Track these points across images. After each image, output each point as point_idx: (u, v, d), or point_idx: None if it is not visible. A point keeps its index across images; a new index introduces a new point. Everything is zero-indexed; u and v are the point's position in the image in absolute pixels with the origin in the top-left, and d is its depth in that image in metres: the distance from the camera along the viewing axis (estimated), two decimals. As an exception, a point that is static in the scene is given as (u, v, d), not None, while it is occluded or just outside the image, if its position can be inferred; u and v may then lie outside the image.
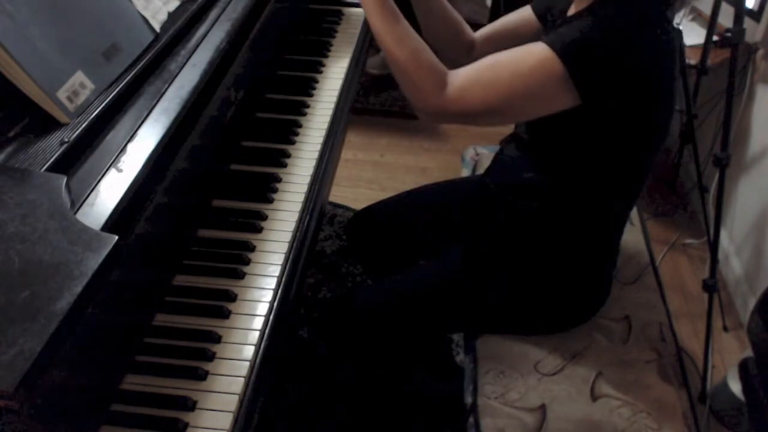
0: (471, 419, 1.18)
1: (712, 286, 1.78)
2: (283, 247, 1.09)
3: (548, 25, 1.22)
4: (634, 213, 1.58)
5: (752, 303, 1.74)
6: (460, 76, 1.02)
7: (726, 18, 1.84)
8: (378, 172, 2.52)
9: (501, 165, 1.33)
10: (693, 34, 2.10)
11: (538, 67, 0.97)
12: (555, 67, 0.96)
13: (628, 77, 0.99)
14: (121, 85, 0.94)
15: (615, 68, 0.97)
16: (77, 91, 0.89)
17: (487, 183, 1.34)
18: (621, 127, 1.05)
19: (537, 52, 0.98)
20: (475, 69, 1.02)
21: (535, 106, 1.00)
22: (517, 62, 0.99)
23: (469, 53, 1.32)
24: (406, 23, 1.04)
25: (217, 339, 0.95)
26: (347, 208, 2.30)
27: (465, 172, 1.81)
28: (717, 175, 1.80)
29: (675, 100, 1.10)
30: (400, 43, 1.01)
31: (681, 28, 1.88)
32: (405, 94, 1.07)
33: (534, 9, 1.27)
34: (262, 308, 1.00)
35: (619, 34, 0.97)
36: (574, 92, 0.98)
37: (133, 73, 0.97)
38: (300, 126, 1.34)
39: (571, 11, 1.13)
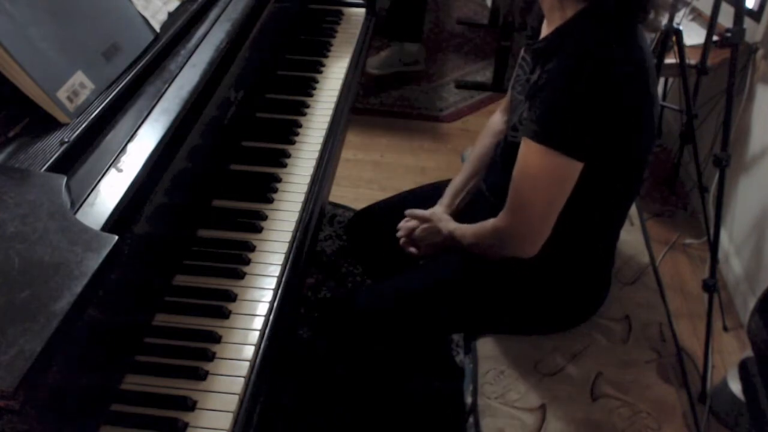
0: (471, 419, 1.18)
1: (712, 286, 1.78)
2: (283, 247, 1.09)
3: (526, 45, 1.23)
4: (634, 213, 1.57)
5: (752, 303, 1.75)
6: (509, 223, 1.15)
7: (726, 18, 1.84)
8: (378, 172, 2.52)
9: (494, 166, 1.33)
10: (693, 34, 2.10)
11: (548, 171, 1.07)
12: (557, 160, 1.05)
13: (615, 115, 1.03)
14: (121, 85, 0.94)
15: (603, 120, 1.03)
16: (77, 91, 0.89)
17: (481, 186, 1.33)
18: (613, 142, 1.07)
19: (538, 159, 1.06)
20: (516, 209, 1.13)
21: (569, 185, 1.09)
22: (528, 181, 1.09)
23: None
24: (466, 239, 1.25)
25: (217, 339, 0.95)
26: (347, 208, 2.30)
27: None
28: (717, 175, 1.80)
29: (658, 99, 1.15)
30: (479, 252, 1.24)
31: (681, 28, 1.88)
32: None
33: None
34: (262, 308, 1.00)
35: (589, 89, 1.01)
36: (580, 163, 1.06)
37: (133, 73, 0.97)
38: (300, 126, 1.35)
39: (544, 32, 1.16)
